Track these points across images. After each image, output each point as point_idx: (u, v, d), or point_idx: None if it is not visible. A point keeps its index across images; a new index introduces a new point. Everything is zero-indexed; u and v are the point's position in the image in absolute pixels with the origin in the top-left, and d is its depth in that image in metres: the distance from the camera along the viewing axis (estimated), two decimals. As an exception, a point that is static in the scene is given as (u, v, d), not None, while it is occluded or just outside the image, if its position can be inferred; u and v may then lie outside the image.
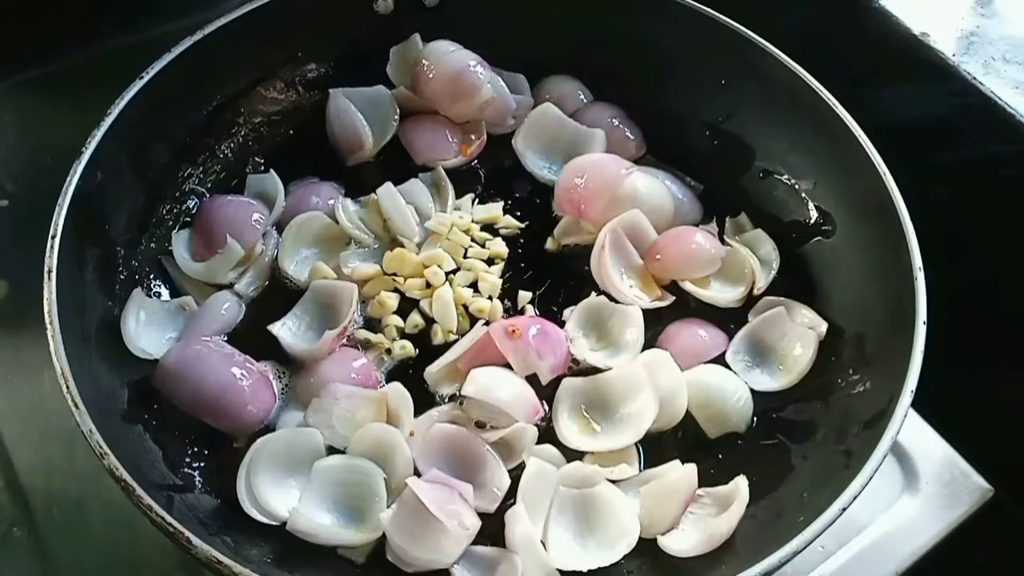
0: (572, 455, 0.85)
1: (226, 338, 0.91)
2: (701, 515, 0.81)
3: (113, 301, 0.88)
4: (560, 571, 0.77)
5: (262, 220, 0.96)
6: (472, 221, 1.01)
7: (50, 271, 0.78)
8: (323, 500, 0.80)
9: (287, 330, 0.90)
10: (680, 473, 0.82)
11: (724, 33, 1.01)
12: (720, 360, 0.92)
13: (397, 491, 0.79)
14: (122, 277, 0.90)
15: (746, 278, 0.97)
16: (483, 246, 0.99)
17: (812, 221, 0.98)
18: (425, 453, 0.82)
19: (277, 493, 0.79)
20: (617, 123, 1.08)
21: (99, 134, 0.87)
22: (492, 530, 0.79)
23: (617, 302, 0.94)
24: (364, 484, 0.80)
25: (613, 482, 0.83)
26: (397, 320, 0.93)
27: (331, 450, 0.83)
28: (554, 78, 1.12)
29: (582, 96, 1.11)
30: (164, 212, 0.98)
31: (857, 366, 0.87)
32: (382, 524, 0.76)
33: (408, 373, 0.90)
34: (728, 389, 0.88)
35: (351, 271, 0.95)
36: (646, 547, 0.80)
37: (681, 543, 0.79)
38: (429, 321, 0.94)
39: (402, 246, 0.97)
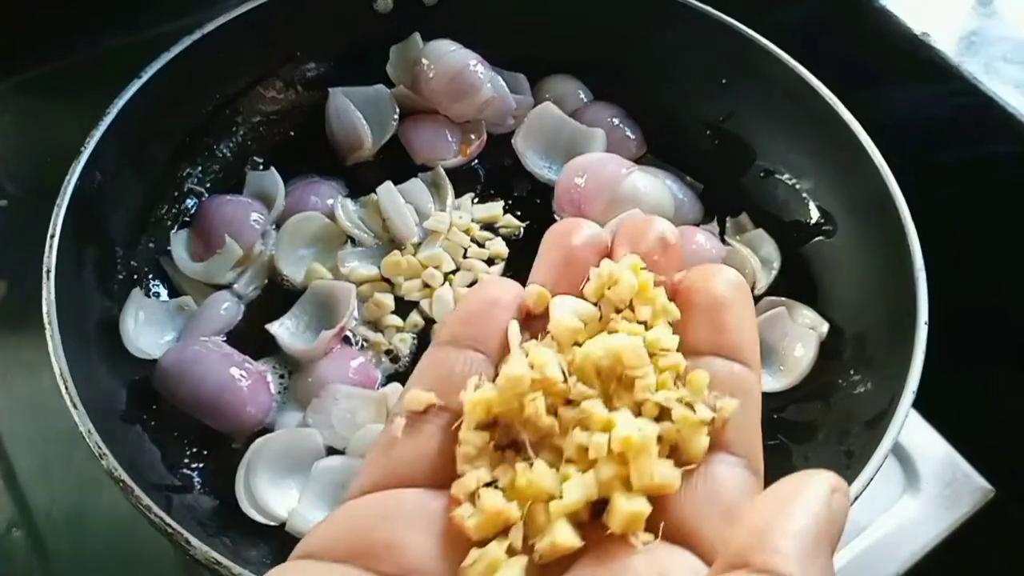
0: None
1: (225, 338, 0.91)
2: None
3: (112, 301, 0.88)
4: None
5: (261, 220, 0.96)
6: (472, 221, 1.01)
7: (49, 271, 0.78)
8: (323, 501, 0.80)
9: (285, 329, 0.90)
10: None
11: (724, 32, 1.00)
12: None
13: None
14: (121, 277, 0.90)
15: (747, 278, 0.97)
16: (483, 246, 0.99)
17: (813, 221, 0.98)
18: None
19: (276, 493, 0.79)
20: (617, 123, 1.08)
21: (98, 134, 0.86)
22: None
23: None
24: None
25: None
26: (396, 320, 0.92)
27: (331, 451, 0.83)
28: (554, 78, 1.11)
29: (582, 96, 1.11)
30: (163, 212, 0.97)
31: (858, 366, 0.86)
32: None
33: (409, 374, 0.90)
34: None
35: (348, 271, 0.94)
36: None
37: None
38: (430, 322, 0.93)
39: (401, 247, 0.97)
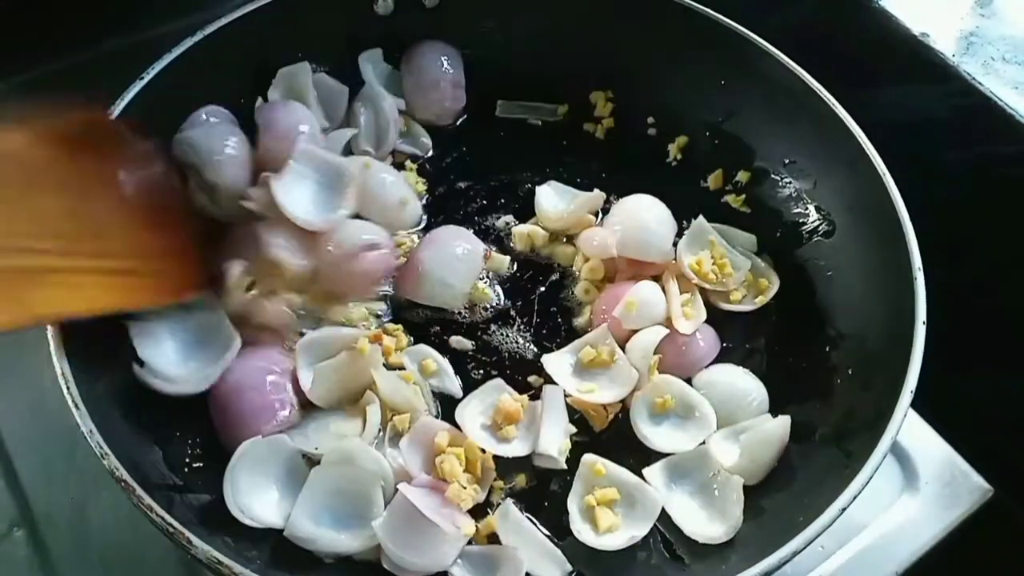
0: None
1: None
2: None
3: (113, 301, 0.88)
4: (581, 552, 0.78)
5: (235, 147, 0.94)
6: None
7: (50, 271, 0.78)
8: (320, 507, 0.78)
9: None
10: (775, 424, 0.84)
11: (724, 33, 1.01)
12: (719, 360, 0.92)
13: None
14: (122, 277, 0.90)
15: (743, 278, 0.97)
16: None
17: (812, 221, 0.98)
18: (412, 458, 0.81)
19: (255, 497, 0.78)
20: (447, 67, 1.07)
21: (99, 135, 0.86)
22: (489, 531, 0.79)
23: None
24: (361, 493, 0.79)
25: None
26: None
27: (306, 457, 0.82)
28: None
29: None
30: (164, 212, 0.97)
31: (857, 366, 0.87)
32: (376, 532, 0.75)
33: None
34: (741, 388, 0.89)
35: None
36: (653, 539, 0.80)
37: (706, 530, 0.79)
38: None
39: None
